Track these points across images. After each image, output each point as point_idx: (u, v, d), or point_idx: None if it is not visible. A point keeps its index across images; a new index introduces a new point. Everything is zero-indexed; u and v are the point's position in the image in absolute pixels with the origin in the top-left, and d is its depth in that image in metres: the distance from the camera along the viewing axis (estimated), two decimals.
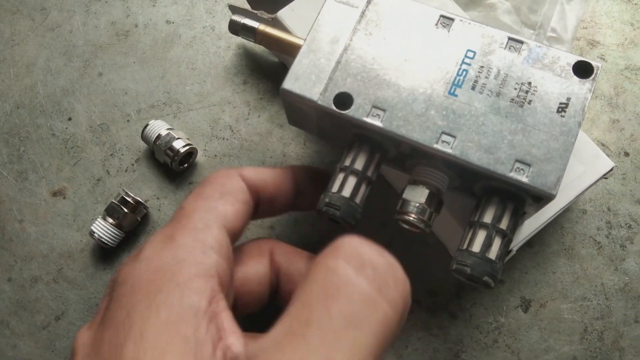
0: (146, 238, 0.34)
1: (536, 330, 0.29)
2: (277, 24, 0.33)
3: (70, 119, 0.37)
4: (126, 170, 0.35)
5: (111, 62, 0.38)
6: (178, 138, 0.34)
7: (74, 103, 0.37)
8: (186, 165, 0.35)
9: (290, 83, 0.26)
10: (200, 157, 0.35)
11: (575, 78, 0.24)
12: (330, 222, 0.26)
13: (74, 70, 0.38)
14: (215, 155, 0.36)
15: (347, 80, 0.26)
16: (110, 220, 0.32)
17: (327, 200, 0.25)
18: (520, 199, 0.23)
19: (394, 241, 0.33)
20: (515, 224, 0.23)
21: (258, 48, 0.38)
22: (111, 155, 0.36)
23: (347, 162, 0.26)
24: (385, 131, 0.25)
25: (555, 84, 0.24)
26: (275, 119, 0.36)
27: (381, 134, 0.25)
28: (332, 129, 0.27)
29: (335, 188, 0.25)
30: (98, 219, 0.32)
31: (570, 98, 0.24)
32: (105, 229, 0.32)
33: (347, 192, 0.25)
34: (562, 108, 0.24)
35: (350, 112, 0.25)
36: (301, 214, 0.34)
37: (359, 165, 0.25)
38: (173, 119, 0.37)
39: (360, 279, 0.18)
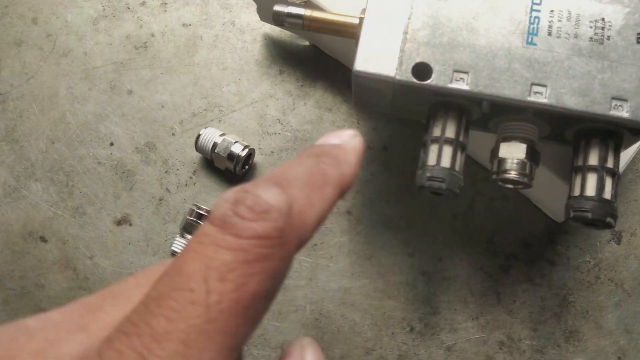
0: None
1: (633, 259, 0.31)
2: (310, 5, 0.32)
3: (112, 143, 0.35)
4: (186, 185, 0.35)
5: (138, 78, 0.36)
6: (235, 142, 0.33)
7: (111, 127, 0.36)
8: (247, 167, 0.34)
9: (361, 64, 0.25)
10: (257, 157, 0.35)
11: None
12: (432, 195, 0.26)
13: (100, 93, 0.36)
14: (272, 152, 0.35)
15: (420, 50, 0.25)
16: (189, 236, 0.31)
17: (428, 174, 0.25)
18: (618, 135, 0.24)
19: (475, 203, 0.33)
20: (619, 161, 0.24)
21: (285, 35, 0.37)
22: (166, 172, 0.35)
23: (437, 132, 0.26)
24: (474, 93, 0.25)
25: (628, 15, 0.24)
26: (322, 104, 0.36)
27: (468, 97, 0.25)
28: (409, 103, 0.27)
29: (432, 160, 0.25)
30: (177, 238, 0.32)
31: None
32: None
33: (446, 162, 0.25)
34: None
35: (432, 81, 0.25)
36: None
37: (450, 133, 0.26)
38: (218, 123, 0.36)
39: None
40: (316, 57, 0.37)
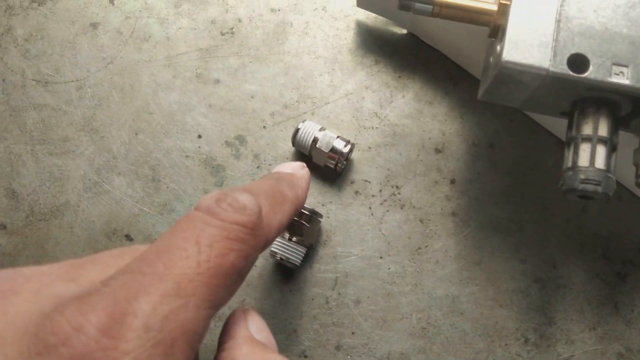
0: (322, 249, 0.31)
1: None
2: None
3: (200, 136, 0.33)
4: (306, 167, 0.32)
5: (225, 66, 0.34)
6: (337, 137, 0.31)
7: (198, 118, 0.33)
8: (345, 163, 0.32)
9: (511, 54, 0.23)
10: (353, 152, 0.33)
11: None
12: (578, 199, 0.24)
13: (186, 82, 0.34)
14: (369, 148, 0.33)
15: (574, 40, 0.23)
16: (289, 236, 0.29)
17: (582, 176, 0.23)
18: None
19: (588, 205, 0.31)
20: None
21: (380, 22, 0.35)
22: (257, 167, 0.33)
23: (588, 130, 0.24)
24: (635, 89, 0.22)
25: None
26: (421, 97, 0.33)
27: (627, 93, 0.23)
28: (550, 97, 0.25)
29: (585, 161, 0.23)
30: (277, 239, 0.30)
31: None
32: (289, 248, 0.29)
33: (600, 163, 0.23)
34: None
35: (590, 74, 0.23)
36: None
37: (603, 131, 0.23)
38: (312, 116, 0.33)
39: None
40: (414, 47, 0.34)
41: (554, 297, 0.31)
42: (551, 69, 0.23)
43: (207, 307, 0.16)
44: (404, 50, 0.34)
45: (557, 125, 0.33)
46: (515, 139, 0.33)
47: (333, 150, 0.31)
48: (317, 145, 0.31)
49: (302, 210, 0.30)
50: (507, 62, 0.23)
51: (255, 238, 0.18)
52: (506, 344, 0.30)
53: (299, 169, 0.25)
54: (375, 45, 0.34)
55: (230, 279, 0.17)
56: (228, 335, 0.19)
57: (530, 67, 0.23)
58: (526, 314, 0.30)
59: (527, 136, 0.33)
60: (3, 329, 0.15)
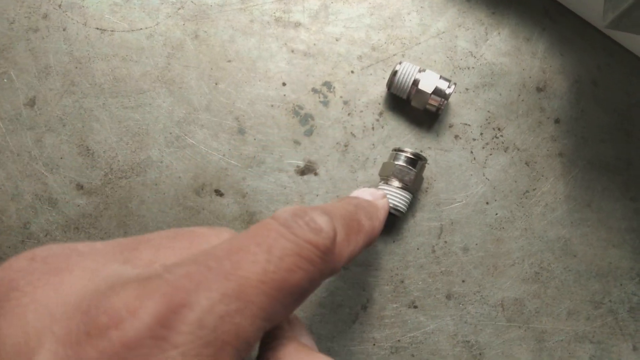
0: (424, 197, 0.30)
1: None
2: None
3: (284, 84, 0.31)
4: (373, 128, 0.31)
5: (305, 8, 0.32)
6: (440, 78, 0.29)
7: (280, 64, 0.31)
8: (443, 106, 0.30)
9: None
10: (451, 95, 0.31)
11: None
12: None
13: (264, 27, 0.32)
14: (467, 89, 0.31)
15: None
16: (397, 183, 0.28)
17: None
18: None
19: None
20: None
21: None
22: (349, 115, 0.31)
23: None
24: None
25: None
26: (519, 32, 0.32)
27: None
28: None
29: None
30: (381, 186, 0.28)
31: None
32: (396, 195, 0.28)
33: None
34: None
35: None
36: None
37: None
38: (402, 57, 0.31)
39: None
40: None
41: None
42: None
43: (263, 317, 0.16)
44: None
45: None
46: (617, 75, 0.31)
47: (436, 91, 0.29)
48: (419, 87, 0.29)
49: (408, 155, 0.28)
50: None
51: (325, 263, 0.17)
52: (621, 284, 0.29)
53: (379, 197, 0.24)
54: None
55: (291, 297, 0.16)
56: (272, 336, 0.18)
57: None
58: None
59: (629, 71, 0.31)
60: (54, 306, 0.14)
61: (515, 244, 0.30)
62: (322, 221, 0.17)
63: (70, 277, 0.15)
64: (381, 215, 0.23)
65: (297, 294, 0.17)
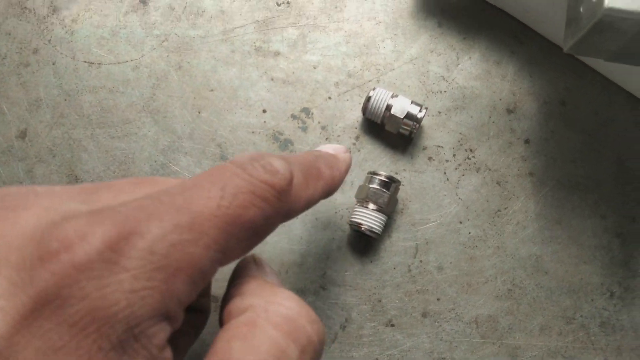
0: (400, 217, 0.31)
1: None
2: None
3: (264, 111, 0.32)
4: (350, 152, 0.32)
5: (283, 38, 0.33)
6: (412, 103, 0.30)
7: (261, 92, 0.33)
8: (415, 130, 0.31)
9: (614, 0, 0.22)
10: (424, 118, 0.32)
11: None
12: None
13: (245, 56, 0.33)
14: (439, 113, 0.32)
15: None
16: (372, 206, 0.29)
17: None
18: None
19: None
20: None
21: None
22: (326, 139, 0.32)
23: None
24: None
25: None
26: (489, 56, 0.33)
27: None
28: None
29: None
30: (357, 209, 0.29)
31: None
32: (371, 217, 0.29)
33: None
34: None
35: None
36: None
37: None
38: (377, 83, 0.33)
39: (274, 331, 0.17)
40: (476, 7, 0.33)
41: (636, 250, 0.31)
42: None
43: (217, 249, 0.16)
44: (466, 11, 0.33)
45: (628, 80, 0.32)
46: (586, 96, 0.32)
47: (408, 116, 0.30)
48: (391, 112, 0.30)
49: (382, 178, 0.29)
50: (611, 9, 0.22)
51: (280, 203, 0.18)
52: (592, 299, 0.30)
53: (341, 151, 0.25)
54: (437, 7, 0.34)
55: (245, 233, 0.17)
56: (237, 276, 0.19)
57: (633, 13, 0.22)
58: (610, 268, 0.30)
59: (598, 92, 0.32)
60: (10, 238, 0.15)
61: (488, 261, 0.31)
62: (278, 164, 0.18)
63: (27, 213, 0.16)
64: (342, 167, 0.23)
65: (252, 230, 0.17)
